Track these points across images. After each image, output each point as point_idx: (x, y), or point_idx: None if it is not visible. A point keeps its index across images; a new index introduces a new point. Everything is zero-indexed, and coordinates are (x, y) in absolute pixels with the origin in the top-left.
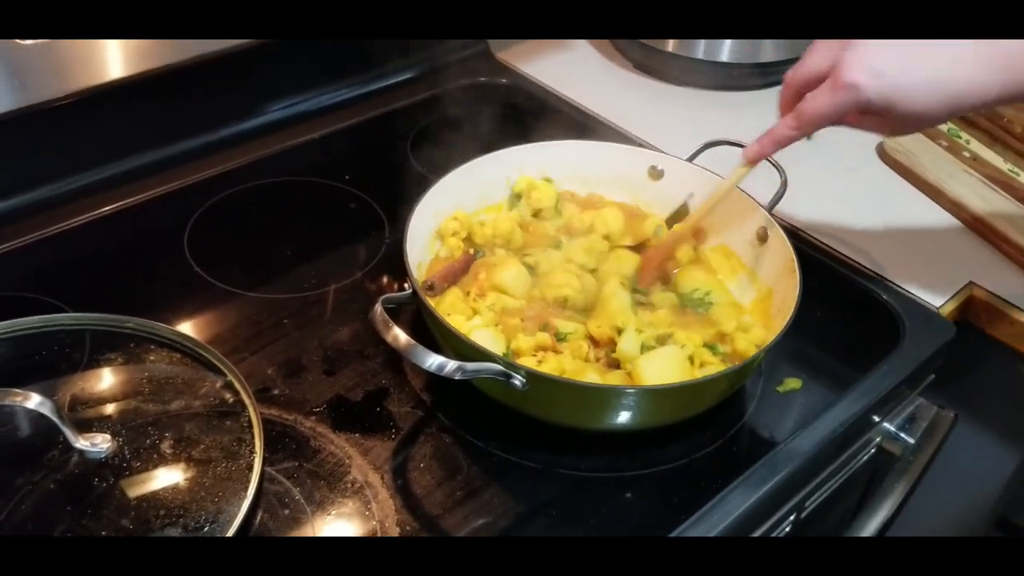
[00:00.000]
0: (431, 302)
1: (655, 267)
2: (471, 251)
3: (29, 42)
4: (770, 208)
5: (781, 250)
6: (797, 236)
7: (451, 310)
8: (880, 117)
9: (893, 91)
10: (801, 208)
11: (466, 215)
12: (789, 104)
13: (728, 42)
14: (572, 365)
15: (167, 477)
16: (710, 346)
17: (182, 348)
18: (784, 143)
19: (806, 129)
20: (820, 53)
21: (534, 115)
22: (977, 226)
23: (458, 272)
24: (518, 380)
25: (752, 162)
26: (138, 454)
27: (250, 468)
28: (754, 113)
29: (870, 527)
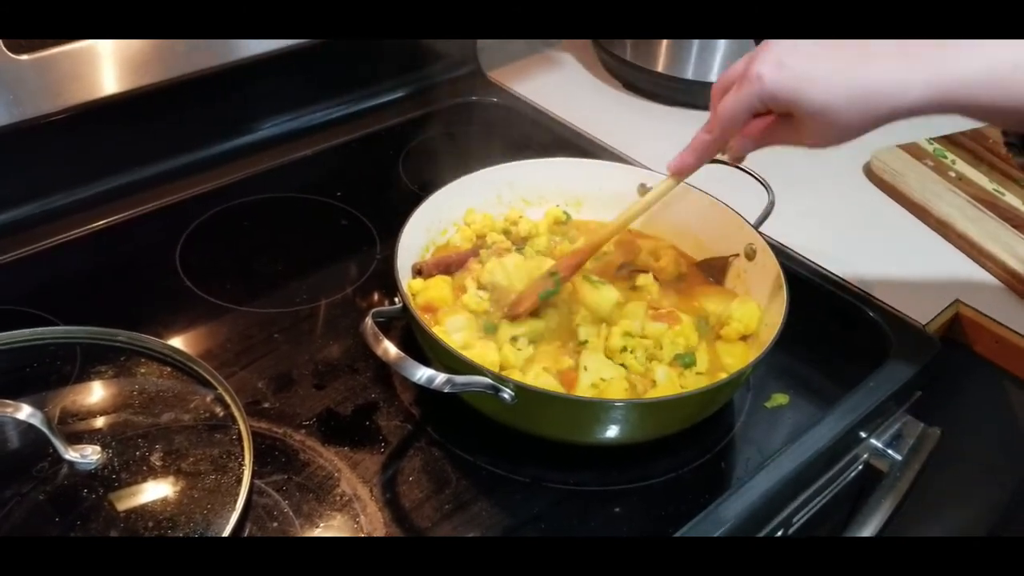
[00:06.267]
0: (423, 317)
1: (577, 264)
2: (476, 249)
3: (24, 57)
4: (758, 225)
5: (769, 267)
6: (785, 254)
7: (437, 296)
8: (795, 121)
9: (796, 82)
10: (789, 226)
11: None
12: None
13: (717, 62)
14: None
15: (156, 489)
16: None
17: (173, 362)
18: (703, 152)
19: (719, 132)
20: (741, 60)
21: (524, 133)
22: (963, 244)
23: (452, 264)
24: (507, 393)
25: (675, 174)
26: (128, 466)
27: (239, 481)
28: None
29: None
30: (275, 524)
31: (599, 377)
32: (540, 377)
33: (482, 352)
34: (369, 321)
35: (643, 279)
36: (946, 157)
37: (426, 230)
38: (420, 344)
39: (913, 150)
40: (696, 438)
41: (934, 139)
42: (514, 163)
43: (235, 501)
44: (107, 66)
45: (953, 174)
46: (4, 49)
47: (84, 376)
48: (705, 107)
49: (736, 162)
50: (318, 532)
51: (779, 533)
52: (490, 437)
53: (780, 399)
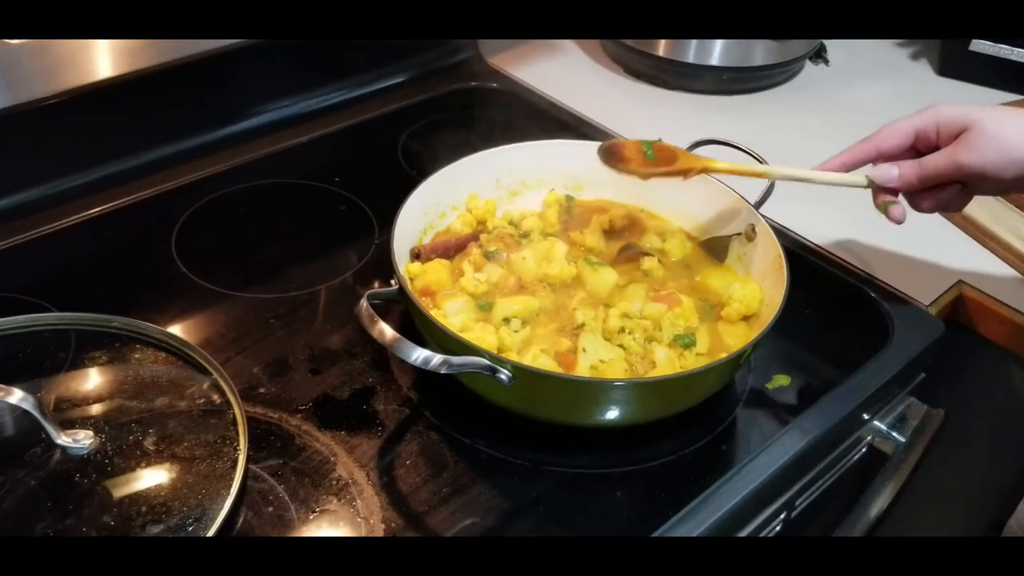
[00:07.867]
0: (420, 300)
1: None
2: (477, 233)
3: (17, 42)
4: (758, 205)
5: (769, 247)
6: (785, 235)
7: (435, 280)
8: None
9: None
10: (789, 206)
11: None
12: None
13: (718, 46)
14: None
15: (150, 474)
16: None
17: (168, 347)
18: (852, 154)
19: (876, 139)
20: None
21: (525, 119)
22: (966, 225)
23: (451, 249)
24: (504, 374)
25: (872, 181)
26: (121, 451)
27: (234, 466)
28: (743, 116)
29: (861, 526)
30: (270, 509)
31: (598, 359)
32: (538, 359)
33: (480, 335)
34: (364, 303)
35: (648, 263)
36: None
37: (424, 213)
38: (417, 327)
39: None
40: (697, 420)
41: None
42: (513, 145)
43: (230, 486)
44: (101, 51)
45: None
46: None
47: (78, 362)
48: (705, 91)
49: (874, 184)
50: (314, 517)
51: (782, 516)
52: (488, 420)
53: (782, 380)
